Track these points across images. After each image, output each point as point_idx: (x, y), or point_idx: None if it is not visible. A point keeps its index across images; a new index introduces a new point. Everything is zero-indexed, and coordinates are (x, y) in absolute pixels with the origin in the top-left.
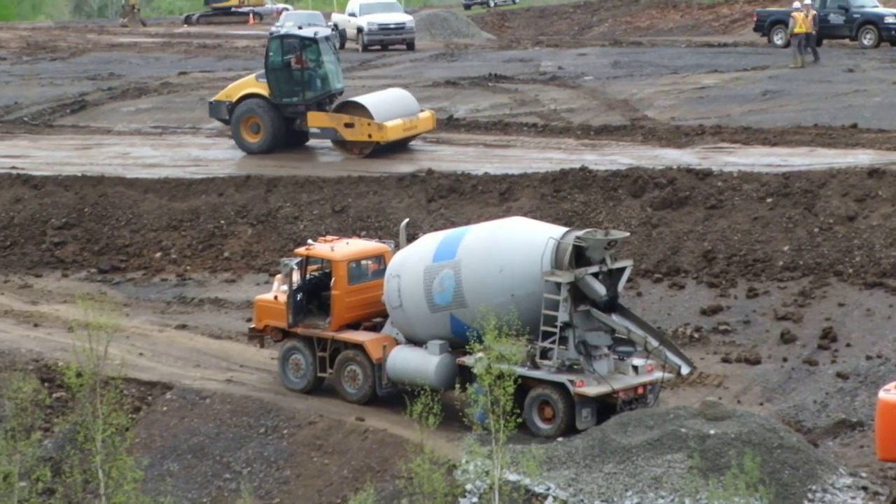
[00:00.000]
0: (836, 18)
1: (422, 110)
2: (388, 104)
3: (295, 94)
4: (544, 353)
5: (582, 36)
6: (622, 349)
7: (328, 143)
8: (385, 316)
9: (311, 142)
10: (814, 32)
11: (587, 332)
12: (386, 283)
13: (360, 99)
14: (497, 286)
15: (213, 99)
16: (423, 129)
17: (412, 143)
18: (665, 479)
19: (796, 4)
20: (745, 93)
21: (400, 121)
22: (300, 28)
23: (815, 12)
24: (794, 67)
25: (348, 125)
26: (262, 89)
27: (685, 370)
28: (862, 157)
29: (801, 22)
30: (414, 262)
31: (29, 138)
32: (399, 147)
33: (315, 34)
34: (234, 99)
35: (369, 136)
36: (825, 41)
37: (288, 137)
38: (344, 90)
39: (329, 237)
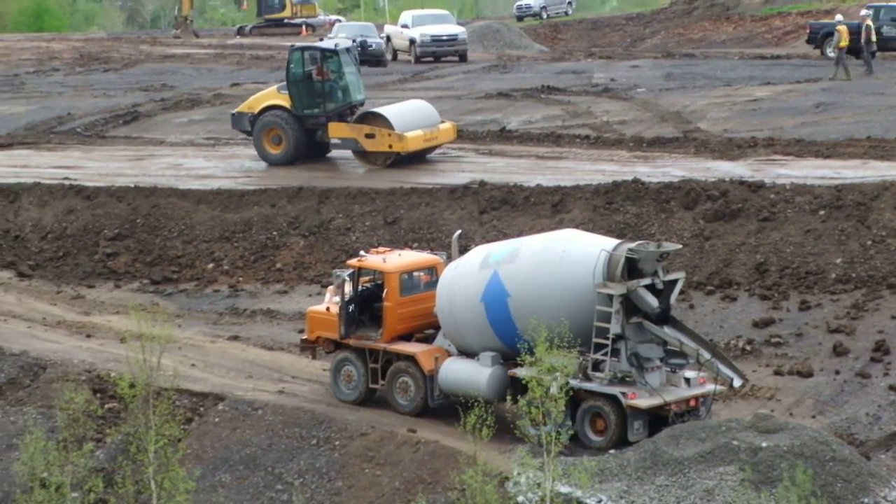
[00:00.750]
0: (889, 31)
1: (442, 121)
2: (409, 115)
3: (316, 106)
4: (596, 366)
5: (634, 48)
6: (674, 361)
7: (350, 153)
8: (437, 328)
9: (334, 153)
10: (871, 43)
11: (639, 344)
12: (438, 296)
13: (381, 110)
14: (549, 298)
15: (235, 111)
16: (443, 139)
17: (460, 155)
18: (717, 492)
19: (839, 17)
20: (798, 105)
21: (420, 132)
22: (321, 39)
23: (870, 23)
24: (844, 80)
25: (369, 136)
26: (284, 101)
27: (737, 382)
28: None
29: (846, 35)
30: (465, 274)
31: (82, 149)
32: (419, 157)
33: (336, 46)
34: (257, 111)
35: (390, 146)
36: (878, 53)
37: (310, 149)
38: (365, 101)
39: (381, 249)
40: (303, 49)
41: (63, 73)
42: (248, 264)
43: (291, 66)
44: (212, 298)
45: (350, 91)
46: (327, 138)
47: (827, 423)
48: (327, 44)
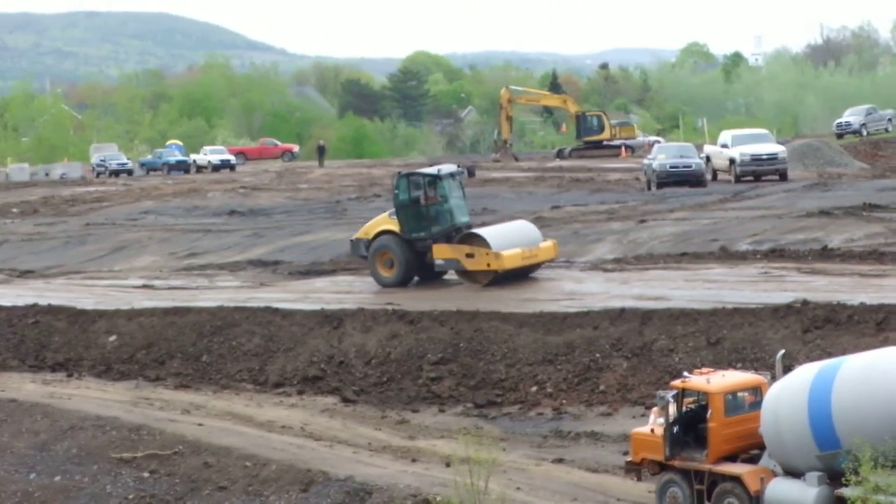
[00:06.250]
0: None
1: (544, 240)
2: (507, 235)
3: (423, 229)
4: None
5: None
6: None
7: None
8: (762, 448)
9: (449, 274)
10: None
11: None
12: (763, 416)
13: (480, 231)
14: (874, 417)
15: (353, 237)
16: (544, 258)
17: (783, 274)
18: None
19: None
20: None
21: (518, 250)
22: (437, 167)
23: None
24: None
25: (469, 255)
26: (394, 226)
27: None
28: None
29: None
30: (790, 393)
31: None
32: (521, 275)
33: (438, 171)
34: (371, 236)
35: (488, 265)
36: None
37: (422, 270)
38: (471, 224)
39: (704, 369)
40: (408, 175)
41: (384, 198)
42: (572, 387)
43: (397, 191)
44: (535, 421)
45: (455, 214)
46: (432, 259)
47: None
48: (430, 169)
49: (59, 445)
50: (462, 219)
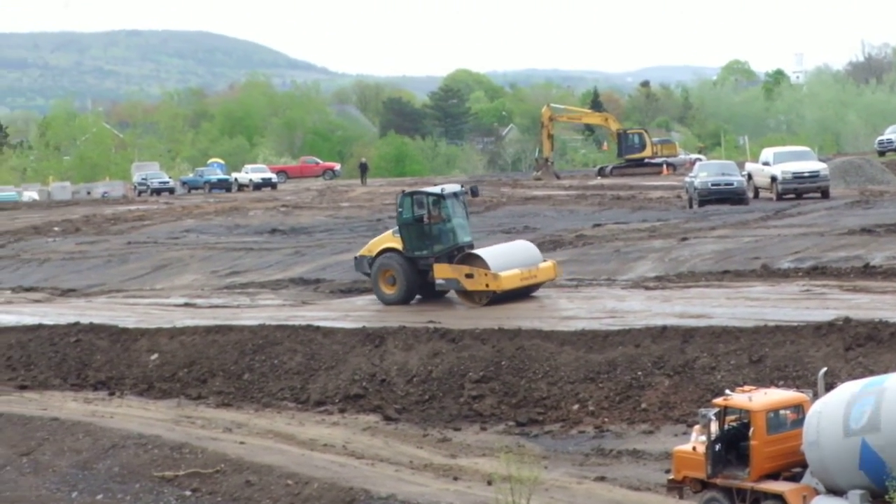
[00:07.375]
0: None
1: (544, 260)
2: (506, 255)
3: (425, 248)
4: None
5: None
6: None
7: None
8: (804, 466)
9: (451, 293)
10: None
11: None
12: (805, 434)
13: (479, 251)
14: None
15: (357, 254)
16: (543, 278)
17: (825, 292)
18: None
19: None
20: None
21: (517, 270)
22: (440, 187)
23: None
24: None
25: (468, 275)
26: (397, 244)
27: None
28: None
29: None
30: (833, 411)
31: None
32: (521, 295)
33: (442, 191)
34: (374, 253)
35: (486, 285)
36: None
37: (423, 289)
38: (473, 244)
39: (746, 387)
40: (411, 194)
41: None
42: (614, 405)
43: (401, 210)
44: (577, 439)
45: (457, 233)
46: (433, 278)
47: None
48: (434, 189)
49: (101, 464)
50: (464, 238)
